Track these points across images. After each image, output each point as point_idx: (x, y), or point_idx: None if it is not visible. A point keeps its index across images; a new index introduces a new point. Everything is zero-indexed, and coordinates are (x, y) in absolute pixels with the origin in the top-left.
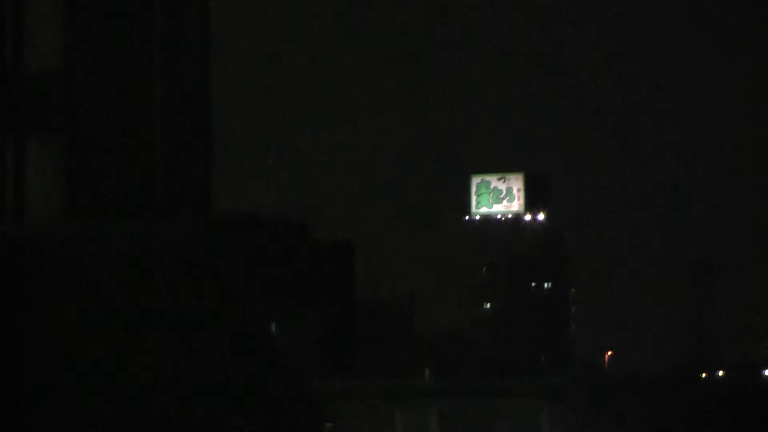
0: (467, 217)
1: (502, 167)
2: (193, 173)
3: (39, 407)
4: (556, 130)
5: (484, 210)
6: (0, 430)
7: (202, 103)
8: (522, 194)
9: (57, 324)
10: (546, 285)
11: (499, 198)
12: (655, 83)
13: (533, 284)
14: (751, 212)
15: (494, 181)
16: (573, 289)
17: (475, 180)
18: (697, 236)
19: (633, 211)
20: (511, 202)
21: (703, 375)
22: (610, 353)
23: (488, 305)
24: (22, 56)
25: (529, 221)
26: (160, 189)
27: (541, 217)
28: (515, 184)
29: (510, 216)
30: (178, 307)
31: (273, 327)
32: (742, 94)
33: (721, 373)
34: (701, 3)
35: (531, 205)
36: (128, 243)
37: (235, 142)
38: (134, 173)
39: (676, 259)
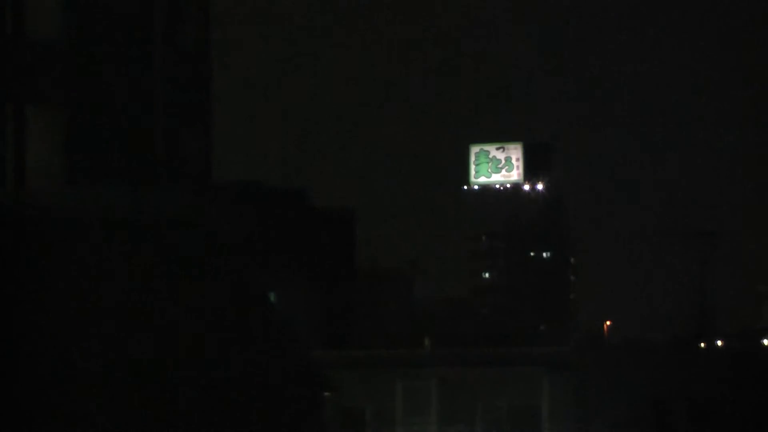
0: (466, 187)
1: (501, 137)
2: (194, 142)
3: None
4: (557, 98)
5: (483, 179)
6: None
7: (203, 71)
8: (521, 164)
9: (56, 293)
10: (545, 254)
11: (498, 167)
12: (660, 51)
13: (532, 253)
14: (754, 181)
15: (493, 150)
16: (572, 258)
17: (474, 149)
18: (700, 204)
19: (633, 180)
20: (510, 171)
21: (702, 345)
22: (609, 323)
23: (488, 274)
24: (22, 26)
25: (529, 190)
26: (160, 158)
27: (540, 186)
28: (514, 153)
29: (509, 185)
30: (177, 277)
31: (272, 296)
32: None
33: (720, 342)
34: None
35: (530, 174)
36: (128, 209)
37: (237, 111)
38: (134, 142)
39: (676, 227)
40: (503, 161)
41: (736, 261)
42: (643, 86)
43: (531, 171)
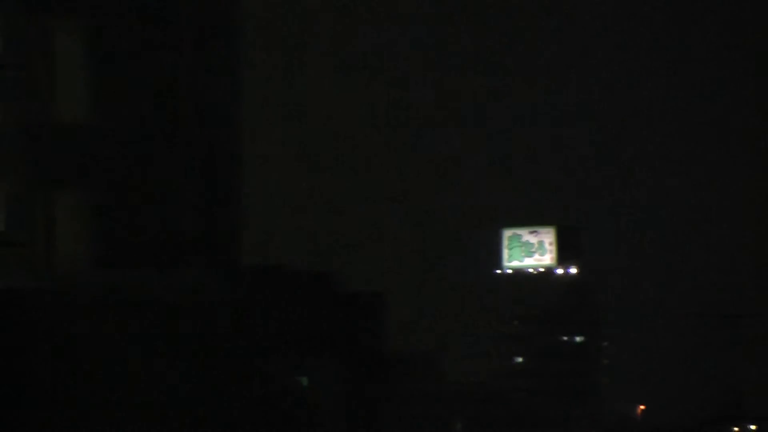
0: (498, 271)
1: (533, 220)
2: (224, 223)
3: None
4: (587, 180)
5: (515, 264)
6: None
7: (231, 151)
8: (554, 247)
9: (82, 373)
10: (578, 338)
11: (531, 251)
12: (685, 136)
13: (565, 337)
14: None
15: (526, 234)
16: (605, 342)
17: (507, 233)
18: (731, 287)
19: (665, 263)
20: (543, 255)
21: (736, 429)
22: (642, 407)
23: (520, 358)
24: (50, 110)
25: (561, 274)
26: (187, 240)
27: (573, 270)
28: (546, 237)
29: (542, 269)
30: (201, 359)
31: (303, 381)
32: None
33: (753, 426)
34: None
35: (563, 258)
36: (153, 292)
37: (263, 194)
38: (161, 224)
39: (708, 310)
40: (536, 245)
41: None
42: (669, 168)
43: (563, 255)
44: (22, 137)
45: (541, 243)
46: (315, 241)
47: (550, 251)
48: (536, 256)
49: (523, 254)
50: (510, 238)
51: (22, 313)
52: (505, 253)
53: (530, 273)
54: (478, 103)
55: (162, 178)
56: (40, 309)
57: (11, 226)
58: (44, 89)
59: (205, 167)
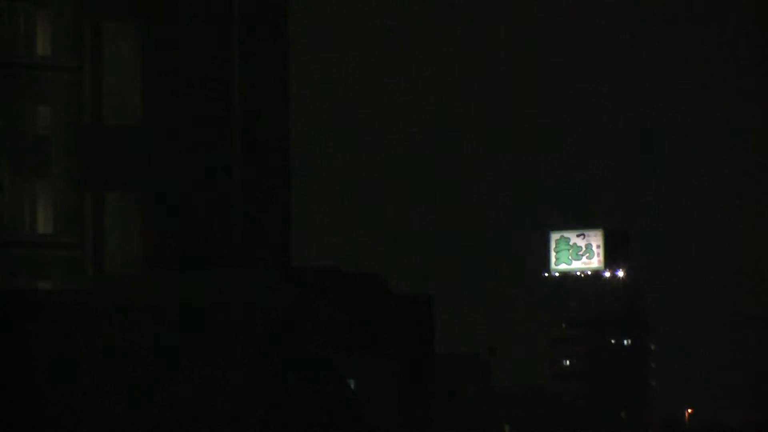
0: (546, 274)
1: (581, 223)
2: (272, 226)
3: None
4: (636, 183)
5: (563, 266)
6: None
7: (281, 156)
8: (602, 250)
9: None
10: (626, 341)
11: (579, 254)
12: (736, 138)
13: (612, 340)
14: None
15: (573, 237)
16: (653, 345)
17: (554, 236)
18: None
19: (714, 265)
20: (591, 258)
21: None
22: (690, 410)
23: (567, 361)
24: (101, 112)
25: (609, 277)
26: (237, 242)
27: (620, 273)
28: (594, 240)
29: (589, 272)
30: (255, 360)
31: (351, 383)
32: None
33: None
34: None
35: (611, 261)
36: (204, 295)
37: (313, 197)
38: (212, 226)
39: (758, 312)
40: (584, 248)
41: None
42: (718, 170)
43: (611, 257)
44: (71, 139)
45: (588, 246)
46: (367, 243)
47: (598, 254)
48: (584, 259)
49: (570, 257)
50: (558, 241)
51: (70, 314)
52: (553, 255)
53: (578, 276)
54: (527, 106)
55: (212, 180)
56: (90, 310)
57: (60, 229)
58: (94, 91)
59: (255, 169)
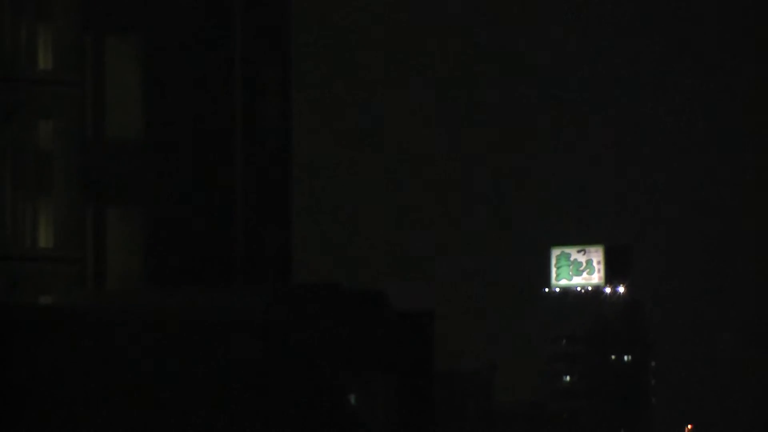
0: (547, 290)
1: (582, 239)
2: (274, 242)
3: None
4: (636, 199)
5: (563, 282)
6: None
7: (282, 170)
8: (602, 266)
9: (129, 391)
10: (626, 357)
11: (579, 270)
12: (736, 155)
13: (613, 357)
14: None
15: (574, 253)
16: (653, 362)
17: (555, 252)
18: None
19: (714, 282)
20: (591, 274)
21: None
22: (690, 427)
23: (568, 377)
24: (102, 126)
25: (610, 293)
26: (238, 257)
27: (621, 289)
28: (595, 256)
29: (590, 288)
30: (255, 378)
31: (352, 400)
32: None
33: None
34: None
35: (611, 277)
36: (203, 310)
37: (315, 212)
38: (213, 241)
39: (757, 329)
40: (584, 264)
41: None
42: (719, 185)
43: (612, 274)
44: (73, 152)
45: (589, 262)
46: (367, 260)
47: (599, 270)
48: (585, 274)
49: (571, 273)
50: (558, 257)
51: (72, 329)
52: (554, 271)
53: (578, 292)
54: (527, 123)
55: (214, 195)
56: (89, 325)
57: (61, 243)
58: (96, 105)
59: (257, 184)
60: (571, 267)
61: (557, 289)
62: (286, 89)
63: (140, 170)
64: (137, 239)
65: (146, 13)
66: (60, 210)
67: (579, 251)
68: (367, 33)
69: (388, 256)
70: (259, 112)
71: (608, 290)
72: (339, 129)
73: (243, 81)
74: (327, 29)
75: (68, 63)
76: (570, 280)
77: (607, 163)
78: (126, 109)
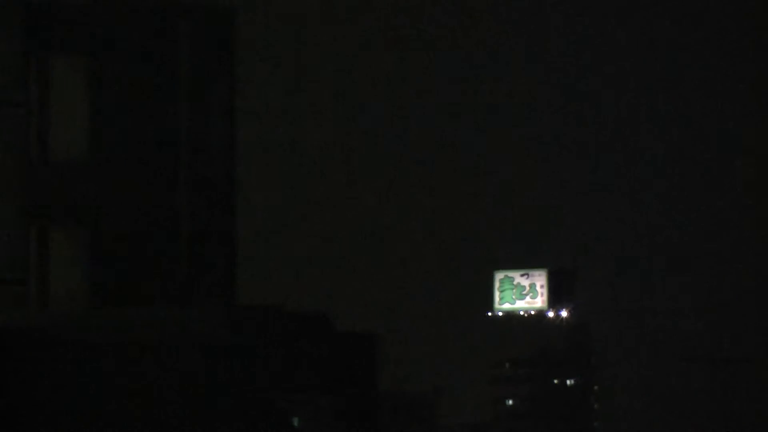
0: (490, 313)
1: (525, 263)
2: (218, 265)
3: None
4: (579, 223)
5: (507, 306)
6: None
7: (226, 194)
8: (545, 290)
9: (74, 418)
10: (569, 381)
11: (522, 294)
12: (680, 180)
13: (556, 380)
14: None
15: (517, 277)
16: (596, 386)
17: (498, 276)
18: (724, 331)
19: (657, 306)
20: (535, 298)
21: None
22: None
23: (511, 401)
24: (45, 148)
25: (553, 317)
26: (182, 278)
27: (564, 313)
28: (539, 280)
29: (533, 312)
30: (197, 398)
31: (295, 421)
32: None
33: None
34: None
35: (555, 301)
36: (146, 331)
37: (260, 232)
38: (158, 262)
39: (702, 353)
40: (527, 288)
41: (766, 388)
42: (671, 209)
43: (555, 297)
44: (17, 174)
45: (533, 285)
46: (310, 281)
47: (542, 294)
48: (528, 298)
49: (514, 296)
50: (502, 281)
51: (16, 352)
52: (497, 295)
53: (522, 315)
54: (474, 144)
55: (158, 216)
56: (34, 348)
57: (4, 264)
58: (41, 126)
59: (203, 206)
60: (514, 291)
61: (500, 313)
62: (232, 110)
63: (84, 192)
64: (81, 260)
65: (92, 33)
66: (3, 231)
67: (522, 275)
68: (316, 51)
69: (332, 279)
70: (205, 132)
71: (551, 314)
72: (284, 148)
73: (189, 101)
74: (271, 49)
75: (12, 83)
76: (513, 303)
77: (551, 186)
78: (71, 130)
